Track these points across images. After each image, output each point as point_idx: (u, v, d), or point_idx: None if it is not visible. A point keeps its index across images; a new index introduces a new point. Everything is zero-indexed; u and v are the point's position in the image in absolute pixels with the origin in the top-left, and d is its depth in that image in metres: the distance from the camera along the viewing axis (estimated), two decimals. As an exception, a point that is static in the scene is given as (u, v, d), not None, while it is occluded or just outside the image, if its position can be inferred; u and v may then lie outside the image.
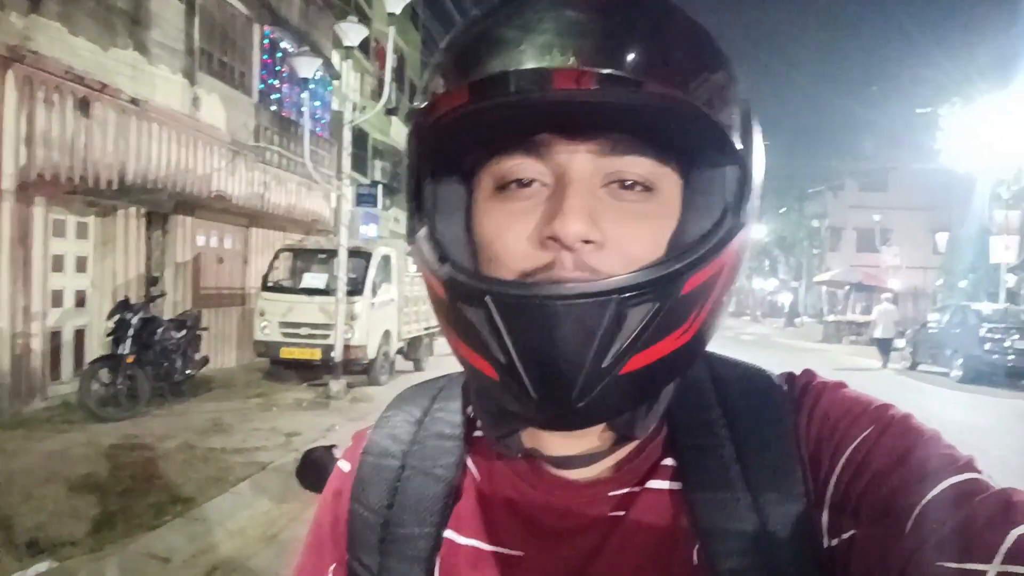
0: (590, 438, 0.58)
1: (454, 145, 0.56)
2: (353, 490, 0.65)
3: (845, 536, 0.50)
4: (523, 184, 0.54)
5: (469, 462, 0.64)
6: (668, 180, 0.54)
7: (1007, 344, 13.57)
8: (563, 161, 0.52)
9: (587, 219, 0.50)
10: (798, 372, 0.62)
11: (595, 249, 0.51)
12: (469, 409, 0.65)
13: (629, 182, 0.53)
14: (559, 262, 0.50)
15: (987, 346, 13.73)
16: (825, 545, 0.51)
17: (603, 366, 0.49)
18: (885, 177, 36.06)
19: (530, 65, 0.47)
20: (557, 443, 0.59)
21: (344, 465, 0.69)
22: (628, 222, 0.52)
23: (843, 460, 0.52)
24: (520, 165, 0.53)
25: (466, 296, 0.52)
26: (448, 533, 0.60)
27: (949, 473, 0.47)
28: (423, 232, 0.57)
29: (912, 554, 0.45)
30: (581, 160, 0.52)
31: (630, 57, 0.47)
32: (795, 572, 0.51)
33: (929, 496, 0.46)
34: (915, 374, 15.91)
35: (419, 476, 0.62)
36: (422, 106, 0.54)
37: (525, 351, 0.49)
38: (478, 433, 0.64)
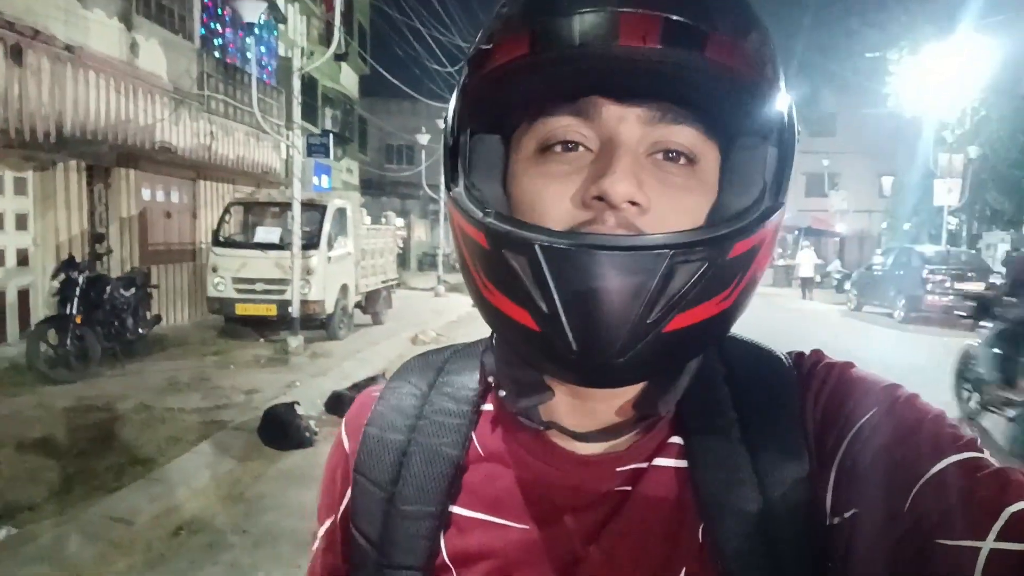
0: (606, 418, 0.59)
1: (501, 102, 0.56)
2: (357, 461, 0.65)
3: (848, 515, 0.51)
4: (568, 148, 0.54)
5: (475, 436, 0.63)
6: (709, 155, 0.55)
7: (947, 285, 14.12)
8: (612, 125, 0.53)
9: (635, 181, 0.51)
10: (807, 352, 0.63)
11: (639, 213, 0.51)
12: (489, 378, 0.64)
13: (673, 152, 0.54)
14: (601, 220, 0.51)
15: (928, 287, 14.28)
16: (828, 524, 0.53)
17: (648, 321, 0.49)
18: (834, 122, 36.50)
19: (598, 9, 0.48)
20: (574, 420, 0.60)
21: (343, 434, 0.69)
22: (671, 192, 0.53)
23: (848, 440, 0.53)
24: (567, 127, 0.54)
25: (512, 244, 0.51)
26: (455, 508, 0.61)
27: (950, 452, 0.48)
28: (460, 186, 0.57)
29: (910, 531, 0.46)
30: (630, 125, 0.53)
31: (695, 12, 0.49)
32: (798, 551, 0.53)
33: (929, 474, 0.47)
34: (860, 315, 16.47)
35: (425, 453, 0.62)
36: (473, 59, 0.54)
37: (571, 301, 0.49)
38: (487, 407, 0.65)
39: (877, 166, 35.90)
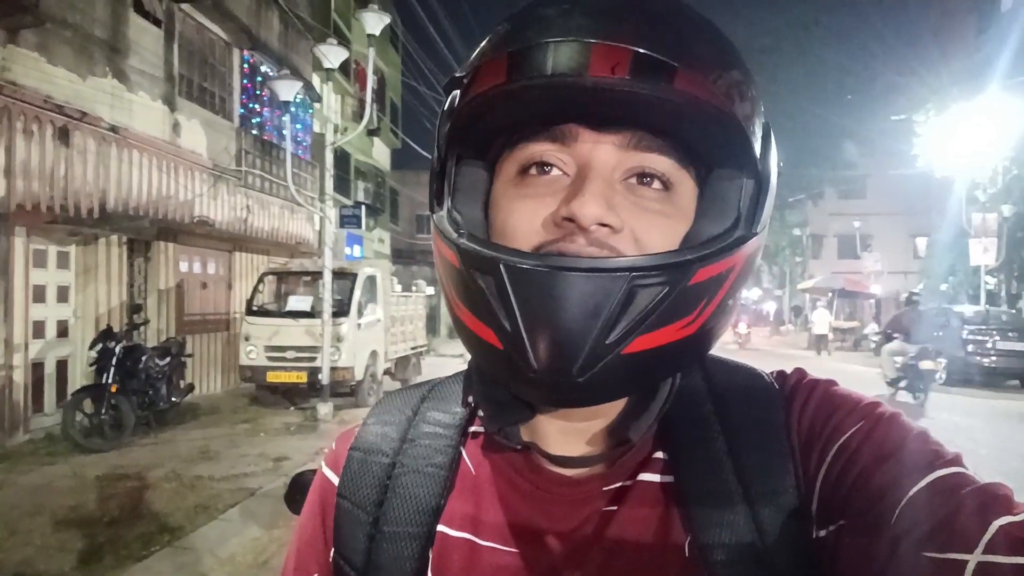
0: (586, 440, 0.59)
1: (483, 128, 0.57)
2: (340, 487, 0.64)
3: (833, 527, 0.51)
4: (544, 171, 0.55)
5: (464, 456, 0.63)
6: (685, 183, 0.56)
7: (989, 345, 13.73)
8: (587, 151, 0.54)
9: (605, 204, 0.52)
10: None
11: (610, 233, 0.52)
12: (469, 399, 0.64)
13: (648, 177, 0.55)
14: (570, 241, 0.52)
15: (970, 348, 13.88)
16: (813, 536, 0.52)
17: (607, 342, 0.50)
18: (864, 184, 36.37)
19: (570, 40, 0.49)
20: (555, 441, 0.60)
21: (327, 470, 0.68)
22: (644, 215, 0.54)
23: (832, 453, 0.53)
24: (545, 152, 0.55)
25: (480, 264, 0.53)
26: (441, 527, 0.60)
27: (935, 467, 0.48)
28: (443, 210, 0.59)
29: (897, 544, 0.45)
30: (605, 151, 0.54)
31: (666, 45, 0.49)
32: (785, 562, 0.52)
33: (915, 489, 0.47)
34: (901, 378, 15.98)
35: (411, 474, 0.62)
36: (456, 85, 0.56)
37: (531, 319, 0.50)
38: (474, 428, 0.65)
39: (910, 227, 35.55)
